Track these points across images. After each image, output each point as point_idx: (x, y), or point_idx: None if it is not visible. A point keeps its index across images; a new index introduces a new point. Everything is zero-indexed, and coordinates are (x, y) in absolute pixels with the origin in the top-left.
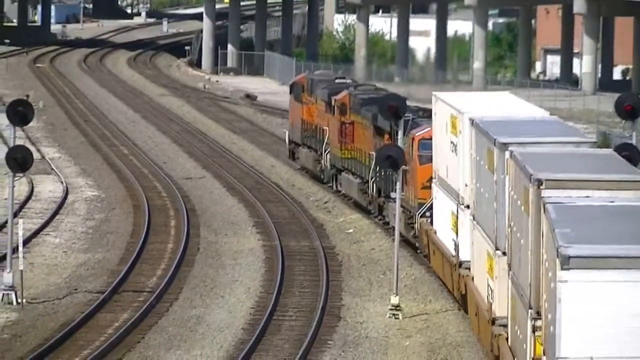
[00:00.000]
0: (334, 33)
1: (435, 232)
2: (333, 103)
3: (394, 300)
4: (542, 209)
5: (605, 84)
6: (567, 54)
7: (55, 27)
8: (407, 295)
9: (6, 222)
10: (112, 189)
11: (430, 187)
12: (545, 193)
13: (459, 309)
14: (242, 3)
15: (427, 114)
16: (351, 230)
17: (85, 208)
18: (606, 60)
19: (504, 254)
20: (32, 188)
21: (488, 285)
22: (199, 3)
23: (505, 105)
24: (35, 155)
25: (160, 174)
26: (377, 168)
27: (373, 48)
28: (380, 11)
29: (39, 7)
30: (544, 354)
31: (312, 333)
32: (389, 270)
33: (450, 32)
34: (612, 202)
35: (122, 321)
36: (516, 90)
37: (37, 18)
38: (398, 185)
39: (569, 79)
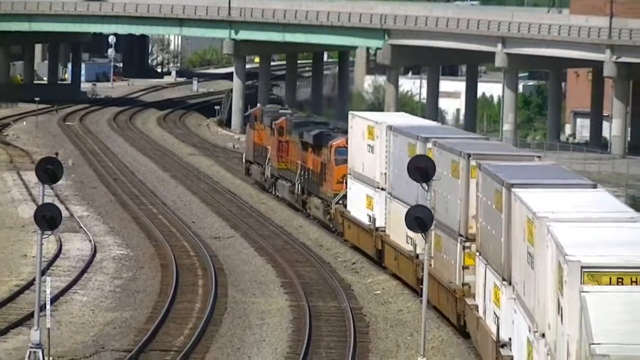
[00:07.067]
0: (364, 94)
1: (350, 212)
2: (274, 127)
3: None
4: (478, 169)
5: (634, 147)
6: (597, 117)
7: (85, 86)
8: (434, 357)
9: (34, 279)
10: (141, 247)
11: (343, 182)
12: (473, 163)
13: None
14: (272, 63)
15: (340, 130)
16: (379, 292)
17: (114, 266)
18: (636, 123)
19: None
20: (61, 246)
21: (407, 236)
22: (229, 63)
23: (406, 119)
24: (64, 213)
25: (188, 233)
26: (302, 173)
27: (402, 108)
28: (410, 73)
29: (69, 66)
30: (479, 253)
31: None
32: (417, 332)
33: (479, 93)
34: (523, 165)
35: None
36: (545, 153)
37: (68, 76)
38: (427, 247)
39: (598, 142)
